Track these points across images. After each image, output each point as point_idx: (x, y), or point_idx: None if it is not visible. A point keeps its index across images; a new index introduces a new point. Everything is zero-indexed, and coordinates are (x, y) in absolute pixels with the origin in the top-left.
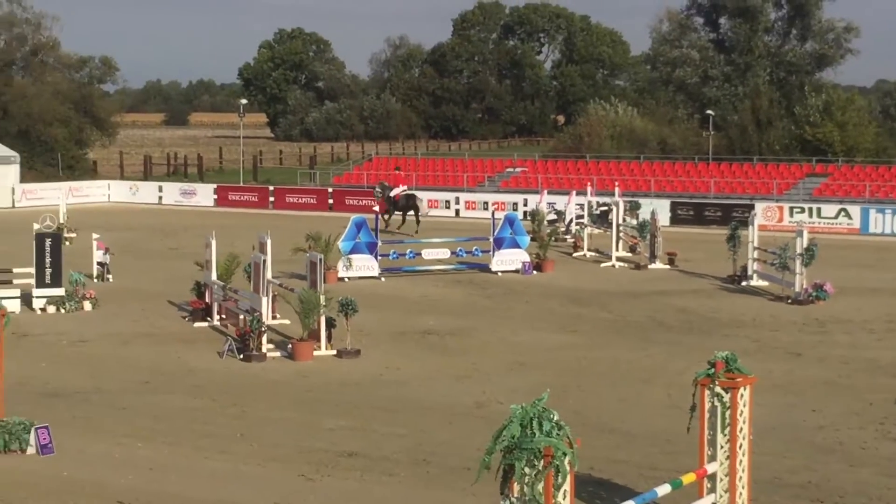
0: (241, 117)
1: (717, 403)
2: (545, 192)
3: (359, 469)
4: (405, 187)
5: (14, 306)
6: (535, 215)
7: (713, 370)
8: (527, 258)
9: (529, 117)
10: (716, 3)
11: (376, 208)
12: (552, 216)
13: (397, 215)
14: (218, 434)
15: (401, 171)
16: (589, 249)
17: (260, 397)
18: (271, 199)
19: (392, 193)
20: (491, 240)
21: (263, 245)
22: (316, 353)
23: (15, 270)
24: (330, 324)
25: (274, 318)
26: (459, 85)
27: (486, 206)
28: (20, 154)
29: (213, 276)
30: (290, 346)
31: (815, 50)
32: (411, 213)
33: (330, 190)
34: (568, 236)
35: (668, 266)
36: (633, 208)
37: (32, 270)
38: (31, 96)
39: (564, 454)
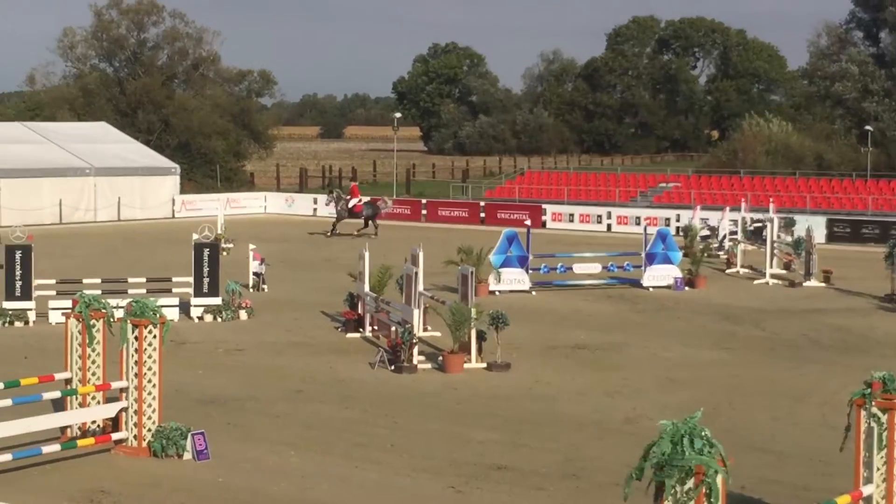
0: (395, 131)
1: (873, 424)
2: (698, 207)
3: (508, 482)
4: (360, 199)
5: (173, 315)
6: (687, 231)
7: (869, 390)
8: (679, 274)
9: (683, 132)
10: (876, 17)
11: (528, 222)
12: (705, 232)
13: (356, 222)
14: (369, 444)
15: (357, 182)
16: (742, 266)
17: (410, 408)
18: (424, 211)
19: (351, 205)
20: (643, 255)
21: (416, 257)
22: (466, 365)
23: (174, 279)
24: (481, 336)
25: (425, 330)
26: (612, 99)
27: (638, 221)
28: (180, 166)
29: (366, 288)
30: (440, 358)
31: None
32: (371, 219)
33: (482, 203)
34: (721, 252)
35: (823, 284)
36: (787, 225)
37: (191, 280)
38: (191, 109)
39: (716, 472)
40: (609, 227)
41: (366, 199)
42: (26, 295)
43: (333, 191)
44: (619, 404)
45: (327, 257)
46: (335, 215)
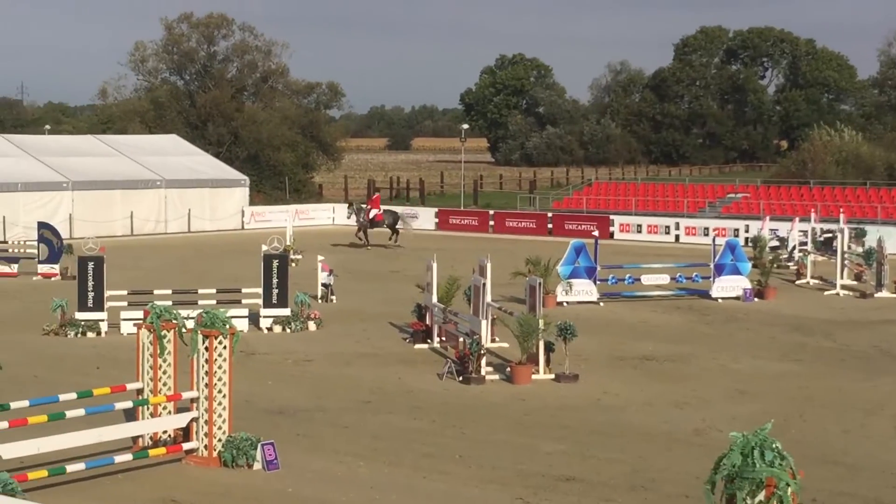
0: (462, 142)
1: None
2: (767, 218)
3: (576, 494)
4: (381, 209)
5: (243, 325)
6: (756, 242)
7: None
8: (748, 285)
9: (751, 142)
10: None
11: (595, 233)
12: (774, 243)
13: (376, 230)
14: (437, 455)
15: (379, 193)
16: (812, 277)
17: (478, 419)
18: (491, 222)
19: (372, 215)
20: (711, 266)
21: (483, 268)
22: (534, 376)
23: (243, 290)
24: (549, 348)
25: (493, 341)
26: (680, 110)
27: (706, 231)
28: (249, 177)
29: (434, 299)
30: (508, 369)
31: None
32: (397, 226)
33: (549, 214)
34: (791, 263)
35: (895, 295)
36: (858, 235)
37: (260, 291)
38: (260, 122)
39: (787, 485)
40: (677, 237)
41: (385, 208)
42: (98, 306)
43: (353, 203)
44: (688, 415)
45: (395, 268)
46: (360, 225)
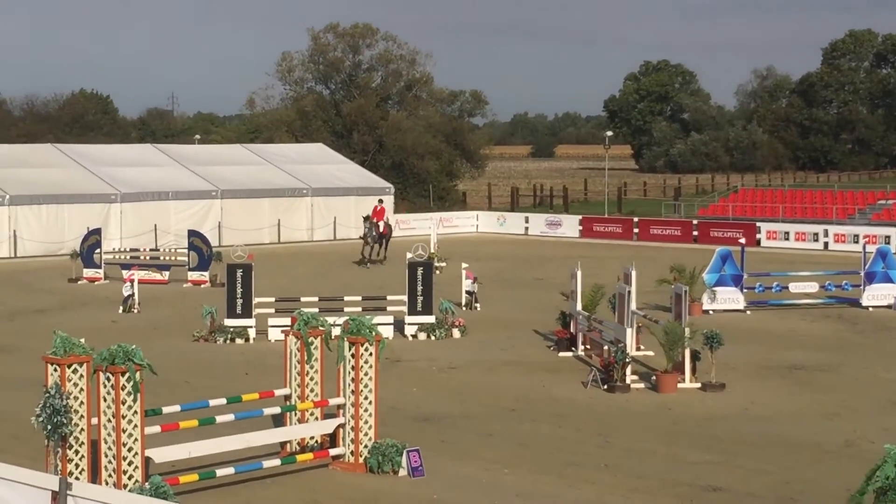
0: (606, 149)
1: None
2: None
3: None
4: (386, 220)
5: (388, 333)
6: None
7: None
8: None
9: None
10: None
11: (742, 240)
12: None
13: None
14: (582, 463)
15: (384, 205)
16: None
17: (624, 428)
18: (635, 230)
19: (381, 228)
20: (862, 274)
21: (628, 276)
22: (680, 385)
23: (389, 298)
24: (695, 356)
25: (638, 349)
26: (828, 115)
27: (856, 239)
28: (394, 185)
29: (578, 307)
30: (654, 377)
31: None
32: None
33: (694, 222)
34: None
35: None
36: None
37: (405, 298)
38: (405, 130)
39: None
40: (826, 245)
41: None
42: (247, 313)
43: (367, 217)
44: (838, 426)
45: (539, 276)
46: (371, 241)
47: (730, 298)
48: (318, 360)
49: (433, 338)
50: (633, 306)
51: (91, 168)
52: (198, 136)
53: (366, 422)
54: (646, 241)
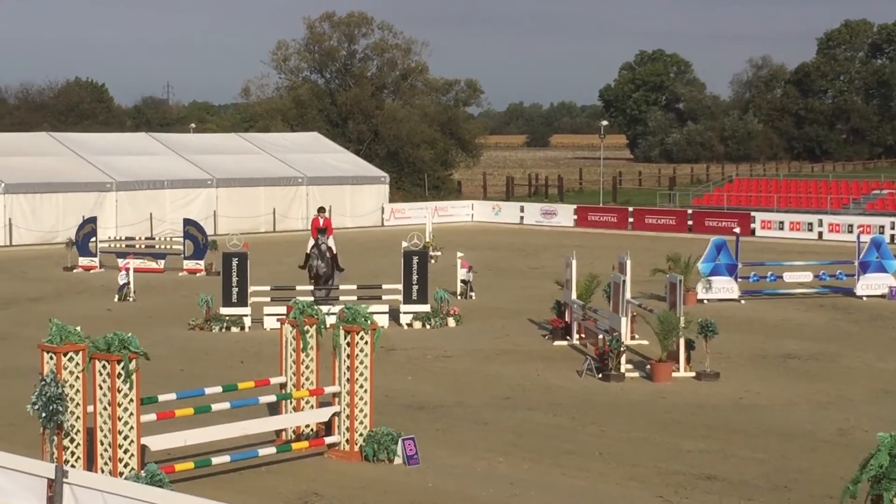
0: (601, 139)
1: None
2: None
3: (717, 493)
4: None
5: (383, 321)
6: None
7: None
8: (894, 283)
9: None
10: None
11: (737, 230)
12: None
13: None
14: (577, 452)
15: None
16: None
17: (618, 417)
18: (630, 219)
19: (332, 249)
20: (856, 263)
21: (623, 265)
22: (674, 374)
23: (384, 287)
24: (689, 345)
25: (632, 338)
26: (824, 105)
27: (850, 228)
28: (389, 175)
29: (573, 296)
30: (648, 366)
31: None
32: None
33: (689, 211)
34: None
35: None
36: None
37: (400, 287)
38: (400, 119)
39: None
40: (820, 234)
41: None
42: (242, 301)
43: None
44: (832, 415)
45: (534, 265)
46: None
47: (724, 288)
48: (314, 349)
49: (428, 326)
50: (628, 295)
51: (86, 156)
52: (193, 125)
53: (361, 410)
54: (641, 230)
